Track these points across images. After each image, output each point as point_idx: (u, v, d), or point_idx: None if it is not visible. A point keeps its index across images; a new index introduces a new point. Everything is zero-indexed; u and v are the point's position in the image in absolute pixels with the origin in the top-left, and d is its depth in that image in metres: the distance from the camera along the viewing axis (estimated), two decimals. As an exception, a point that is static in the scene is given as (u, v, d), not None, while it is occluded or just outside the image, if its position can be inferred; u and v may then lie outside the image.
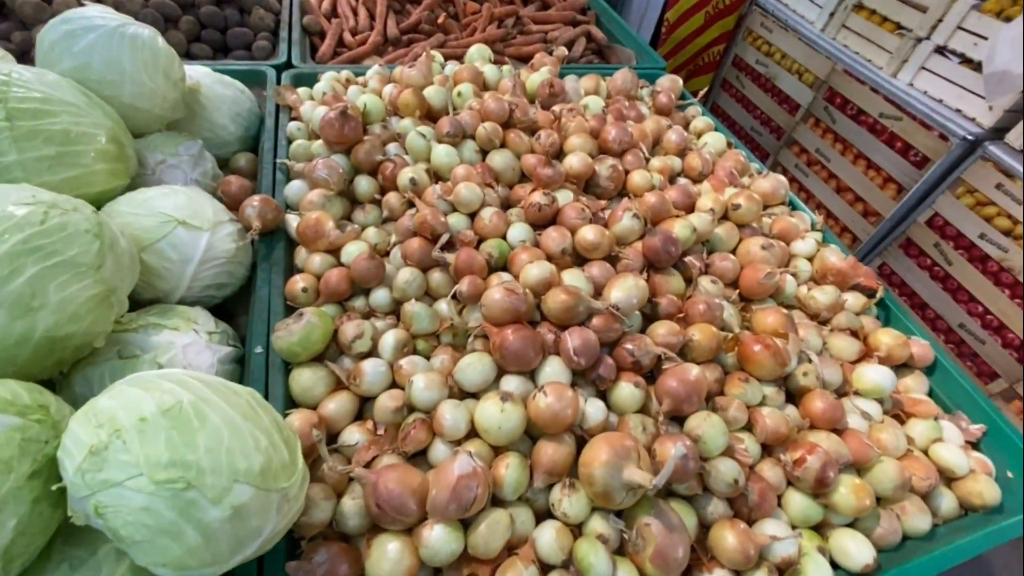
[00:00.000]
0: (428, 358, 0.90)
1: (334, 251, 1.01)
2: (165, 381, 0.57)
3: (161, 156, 1.04)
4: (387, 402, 0.81)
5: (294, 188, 1.10)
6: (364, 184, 1.13)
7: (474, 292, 0.91)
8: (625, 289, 0.90)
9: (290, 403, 0.84)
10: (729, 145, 1.50)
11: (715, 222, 1.12)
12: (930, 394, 1.05)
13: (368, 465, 0.77)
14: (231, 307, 1.05)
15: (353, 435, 0.80)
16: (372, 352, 0.89)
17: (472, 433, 0.79)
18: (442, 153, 1.12)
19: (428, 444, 0.80)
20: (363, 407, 0.86)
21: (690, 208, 1.18)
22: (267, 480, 0.55)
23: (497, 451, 0.79)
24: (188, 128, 1.18)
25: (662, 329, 0.92)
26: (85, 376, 0.73)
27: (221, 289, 0.96)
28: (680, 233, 1.04)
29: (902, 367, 1.07)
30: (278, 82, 1.45)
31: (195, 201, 0.92)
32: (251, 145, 1.33)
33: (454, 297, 0.92)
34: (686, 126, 1.57)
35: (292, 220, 1.04)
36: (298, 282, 0.95)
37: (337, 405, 0.82)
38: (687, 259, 1.05)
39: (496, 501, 0.75)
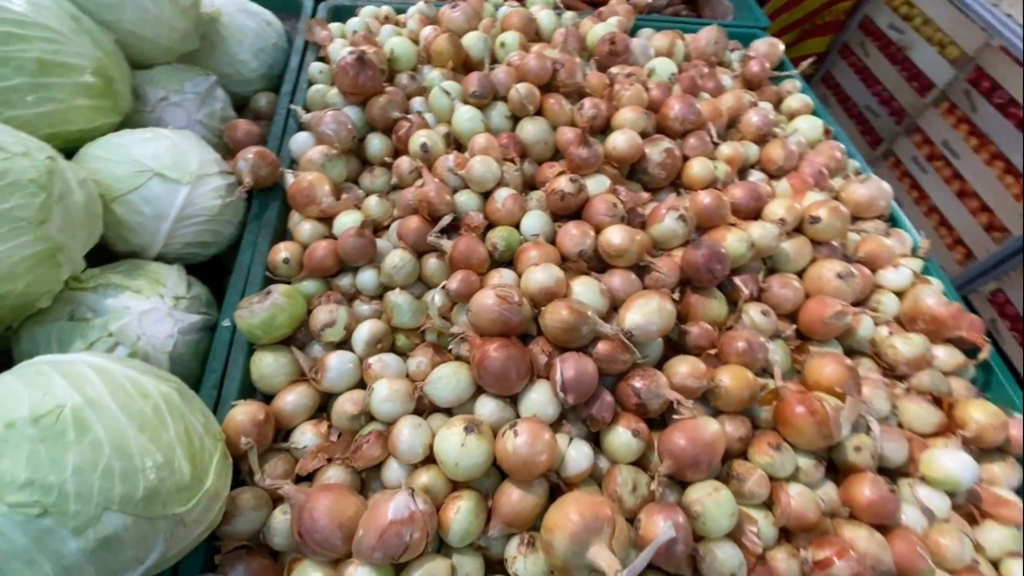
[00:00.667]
0: (407, 356, 0.80)
1: (327, 219, 0.91)
2: (57, 375, 0.50)
3: (163, 92, 0.96)
4: (345, 406, 0.72)
5: (299, 141, 1.00)
6: (376, 143, 1.01)
7: (466, 290, 0.78)
8: (645, 313, 0.74)
9: (250, 387, 0.78)
10: (827, 134, 1.22)
11: (783, 236, 0.90)
12: (1021, 492, 0.83)
13: (312, 476, 0.70)
14: (227, 262, 0.99)
15: (304, 436, 0.72)
16: (345, 343, 0.80)
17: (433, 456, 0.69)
18: (464, 116, 0.97)
19: (383, 460, 0.71)
20: (327, 403, 0.78)
21: (755, 213, 0.96)
22: (152, 506, 0.48)
23: (457, 484, 0.68)
24: (204, 62, 1.09)
25: (683, 367, 0.75)
26: (32, 335, 0.68)
27: (206, 247, 0.89)
28: (733, 248, 0.84)
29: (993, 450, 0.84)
30: (313, 14, 1.32)
31: (179, 149, 0.84)
32: (276, 84, 1.23)
33: (445, 291, 0.80)
34: (777, 104, 1.30)
35: (290, 179, 0.94)
36: (281, 251, 0.86)
37: (296, 398, 0.74)
38: (737, 279, 0.86)
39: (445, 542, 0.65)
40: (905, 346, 0.88)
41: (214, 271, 0.96)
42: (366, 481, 0.72)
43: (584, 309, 0.72)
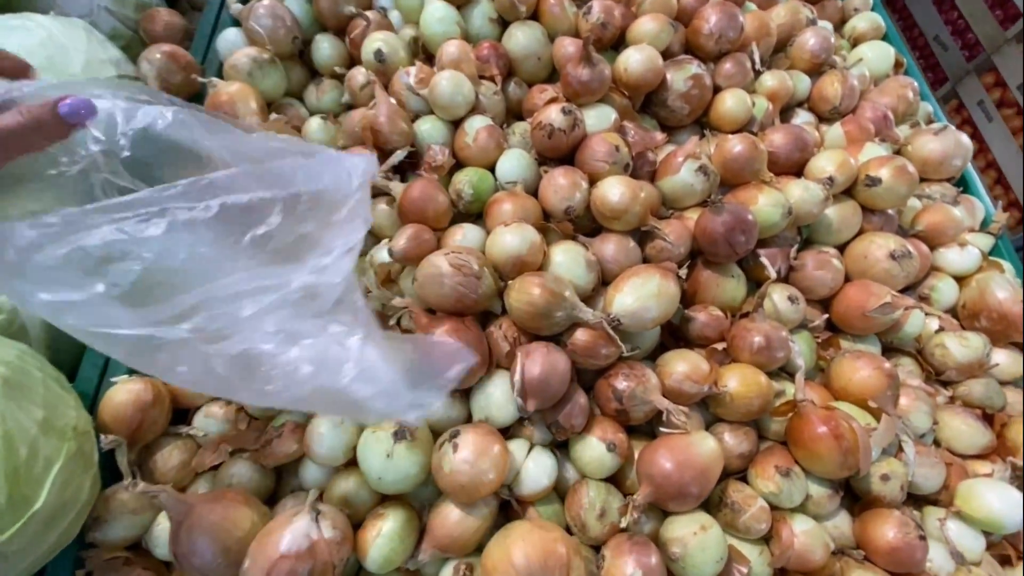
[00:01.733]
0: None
1: (257, 144, 0.73)
2: None
3: (52, -37, 0.75)
4: (256, 389, 0.59)
5: (227, 40, 0.79)
6: (325, 48, 0.79)
7: (415, 251, 0.61)
8: (641, 295, 0.57)
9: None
10: (898, 66, 0.98)
11: (829, 200, 0.71)
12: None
13: (215, 469, 0.58)
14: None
15: (208, 421, 0.59)
16: (266, 305, 0.65)
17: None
18: (434, 15, 0.74)
19: (300, 457, 0.58)
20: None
21: (797, 168, 0.76)
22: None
23: (385, 495, 0.56)
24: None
25: (681, 365, 0.60)
26: None
27: (107, 172, 0.72)
28: (764, 214, 0.66)
29: (1045, 478, 0.70)
30: None
31: (57, 44, 0.64)
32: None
33: (390, 252, 0.63)
34: (839, 25, 1.04)
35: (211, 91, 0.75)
36: (193, 184, 0.69)
37: (201, 372, 0.60)
38: (763, 254, 0.68)
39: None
40: (959, 347, 0.72)
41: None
42: (283, 477, 0.60)
43: (561, 288, 0.56)
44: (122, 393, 0.55)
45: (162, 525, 0.53)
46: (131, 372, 0.58)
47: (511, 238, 0.59)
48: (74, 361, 0.62)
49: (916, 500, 0.65)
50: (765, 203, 0.66)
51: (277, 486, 0.60)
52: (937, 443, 0.70)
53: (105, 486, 0.53)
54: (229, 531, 0.48)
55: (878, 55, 0.95)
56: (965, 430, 0.69)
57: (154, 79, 0.70)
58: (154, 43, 0.77)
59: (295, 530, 0.46)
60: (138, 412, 0.54)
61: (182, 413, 0.61)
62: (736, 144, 0.69)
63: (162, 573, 0.54)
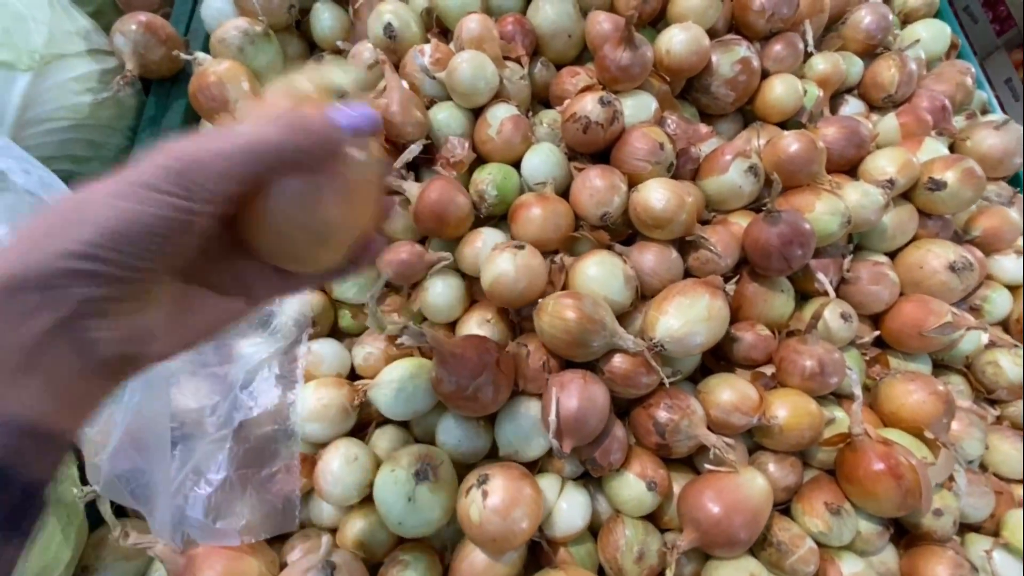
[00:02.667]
0: (353, 342, 0.59)
1: (251, 132, 0.64)
2: None
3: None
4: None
5: (212, 9, 0.68)
6: (326, 19, 0.70)
7: (408, 271, 0.54)
8: (688, 319, 0.51)
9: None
10: (953, 48, 0.89)
11: (890, 206, 0.64)
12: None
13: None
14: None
15: (205, 451, 0.53)
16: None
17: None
18: (452, -15, 0.65)
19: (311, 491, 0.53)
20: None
21: (851, 166, 0.69)
22: None
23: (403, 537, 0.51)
24: None
25: (728, 393, 0.54)
26: None
27: (82, 163, 0.64)
28: (822, 223, 0.59)
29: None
30: None
31: (14, 14, 0.55)
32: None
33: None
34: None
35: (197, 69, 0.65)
36: (180, 178, 0.61)
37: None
38: (816, 268, 0.62)
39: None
40: (1012, 366, 0.67)
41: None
42: (290, 509, 0.55)
43: (599, 314, 0.50)
44: (108, 425, 0.49)
45: (160, 572, 0.48)
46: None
47: (522, 262, 0.53)
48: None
49: (959, 527, 0.62)
50: (823, 211, 0.60)
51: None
52: (983, 467, 0.66)
53: (93, 527, 0.48)
54: (234, 587, 0.43)
55: (933, 35, 0.86)
56: (1014, 455, 0.64)
57: (130, 55, 0.61)
58: (130, 11, 0.67)
59: (309, 587, 0.42)
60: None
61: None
62: (792, 142, 0.61)
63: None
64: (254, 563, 0.45)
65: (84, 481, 0.45)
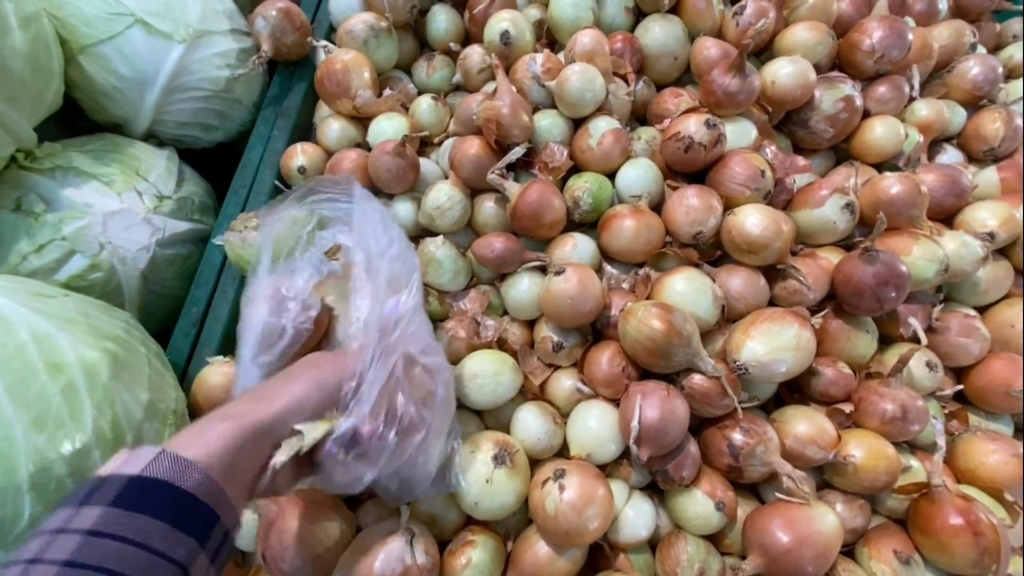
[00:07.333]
0: (437, 327, 0.62)
1: (364, 119, 0.69)
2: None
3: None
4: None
5: (342, 2, 0.74)
6: (442, 20, 0.74)
7: (498, 262, 0.57)
8: (774, 346, 0.52)
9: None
10: (1059, 107, 0.86)
11: (988, 259, 0.63)
12: None
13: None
14: (241, 151, 0.79)
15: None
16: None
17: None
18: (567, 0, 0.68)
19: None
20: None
21: (947, 216, 0.68)
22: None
23: (471, 518, 0.53)
24: None
25: (804, 425, 0.54)
26: (-32, 223, 0.53)
27: (210, 131, 0.70)
28: (918, 268, 0.58)
29: None
30: None
31: (177, -11, 0.61)
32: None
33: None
34: (993, 51, 0.92)
35: (323, 55, 0.70)
36: (297, 154, 0.65)
37: (291, 356, 0.58)
38: (904, 311, 0.61)
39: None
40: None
41: (224, 160, 0.76)
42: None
43: (687, 329, 0.51)
44: (216, 375, 0.53)
45: (246, 516, 0.51)
46: (224, 352, 0.56)
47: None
48: (160, 325, 0.60)
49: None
50: (920, 255, 0.59)
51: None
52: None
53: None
54: (320, 540, 0.46)
55: (1037, 91, 0.84)
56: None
57: (267, 38, 0.66)
58: (262, -3, 0.73)
59: (389, 552, 0.44)
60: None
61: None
62: (895, 184, 0.61)
63: (237, 562, 0.53)
64: (337, 521, 0.48)
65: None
